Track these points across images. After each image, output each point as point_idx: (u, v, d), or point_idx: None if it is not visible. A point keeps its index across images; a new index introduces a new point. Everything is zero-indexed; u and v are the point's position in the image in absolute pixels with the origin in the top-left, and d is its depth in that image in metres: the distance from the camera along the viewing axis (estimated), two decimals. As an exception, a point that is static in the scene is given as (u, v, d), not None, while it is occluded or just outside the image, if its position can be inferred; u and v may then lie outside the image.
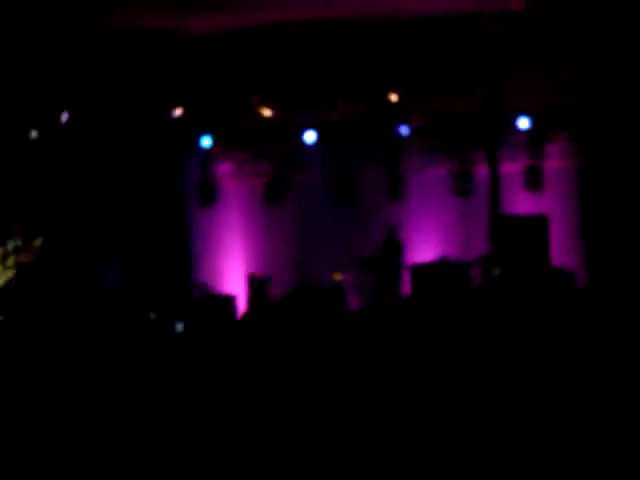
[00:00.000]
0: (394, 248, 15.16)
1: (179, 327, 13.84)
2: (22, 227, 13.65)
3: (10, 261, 13.51)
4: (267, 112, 14.75)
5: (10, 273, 13.48)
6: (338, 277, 15.07)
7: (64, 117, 14.30)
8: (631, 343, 9.07)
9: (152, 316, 14.01)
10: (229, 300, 15.17)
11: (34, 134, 14.42)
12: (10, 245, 13.58)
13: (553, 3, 13.52)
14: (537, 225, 13.23)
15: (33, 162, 14.69)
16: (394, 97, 14.24)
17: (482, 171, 15.07)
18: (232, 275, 16.44)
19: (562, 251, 13.86)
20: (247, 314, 14.26)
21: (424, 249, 15.30)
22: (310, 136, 15.73)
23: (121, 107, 14.35)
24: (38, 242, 13.58)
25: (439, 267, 14.04)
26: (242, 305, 14.99)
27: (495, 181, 13.59)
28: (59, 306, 13.85)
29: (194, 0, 12.81)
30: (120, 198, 15.96)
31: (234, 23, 13.94)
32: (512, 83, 13.73)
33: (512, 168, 15.34)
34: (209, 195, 17.06)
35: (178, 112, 14.51)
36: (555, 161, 15.48)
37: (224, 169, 17.27)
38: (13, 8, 12.43)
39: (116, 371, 9.51)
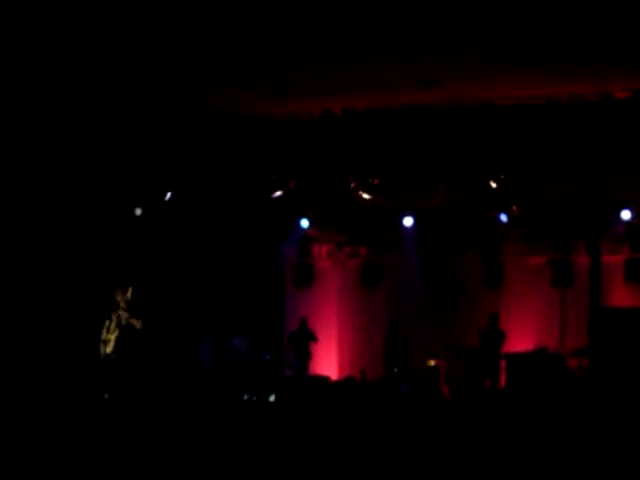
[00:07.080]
0: (496, 338, 14.78)
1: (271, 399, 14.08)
2: (125, 299, 14.05)
3: (113, 327, 13.95)
4: (366, 196, 14.82)
5: (113, 336, 13.89)
6: (432, 363, 14.90)
7: (168, 196, 14.63)
8: None
9: (245, 397, 14.15)
10: (322, 381, 15.14)
11: (138, 211, 14.77)
12: (115, 320, 14.00)
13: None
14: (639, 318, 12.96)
15: (136, 238, 15.01)
16: (493, 184, 14.19)
17: (582, 261, 14.84)
18: (325, 355, 16.41)
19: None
20: (339, 393, 14.20)
21: (520, 338, 15.05)
22: (408, 221, 15.70)
23: (223, 188, 14.60)
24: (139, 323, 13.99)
25: (536, 357, 13.80)
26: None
27: (596, 272, 13.33)
28: (160, 380, 14.08)
29: (295, 86, 13.03)
30: (218, 276, 16.17)
31: (334, 107, 14.12)
32: (614, 174, 13.56)
33: (613, 259, 15.09)
34: (305, 275, 17.18)
35: (278, 193, 14.71)
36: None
37: (321, 250, 17.40)
38: (110, 97, 12.82)
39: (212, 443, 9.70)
